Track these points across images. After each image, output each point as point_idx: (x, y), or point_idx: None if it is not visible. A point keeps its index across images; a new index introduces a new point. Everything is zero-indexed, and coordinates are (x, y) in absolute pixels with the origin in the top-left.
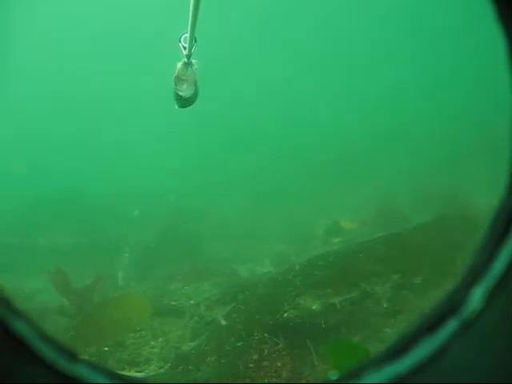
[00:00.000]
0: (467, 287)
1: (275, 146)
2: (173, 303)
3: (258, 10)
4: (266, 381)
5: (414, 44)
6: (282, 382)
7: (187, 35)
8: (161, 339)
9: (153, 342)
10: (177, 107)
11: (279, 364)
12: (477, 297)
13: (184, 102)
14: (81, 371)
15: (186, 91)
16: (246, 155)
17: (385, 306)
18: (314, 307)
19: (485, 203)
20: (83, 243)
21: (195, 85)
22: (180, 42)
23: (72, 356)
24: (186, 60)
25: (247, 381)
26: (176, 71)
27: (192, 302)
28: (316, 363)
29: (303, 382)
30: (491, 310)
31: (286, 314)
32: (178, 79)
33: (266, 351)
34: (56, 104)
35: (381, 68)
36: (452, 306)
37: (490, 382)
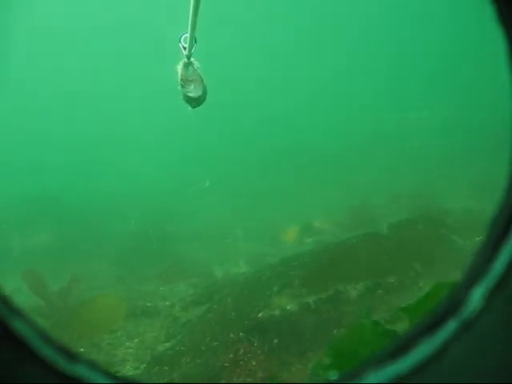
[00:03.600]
0: (467, 287)
1: (251, 147)
2: (148, 304)
3: (256, 11)
4: (241, 380)
5: (406, 43)
6: (257, 381)
7: (187, 35)
8: (136, 340)
9: (128, 343)
10: (190, 109)
11: (254, 363)
12: (477, 297)
13: (195, 102)
14: (81, 371)
15: (194, 91)
16: (222, 157)
17: (358, 304)
18: (288, 307)
19: (456, 207)
20: (60, 243)
21: (202, 83)
22: (180, 42)
23: (72, 356)
24: (185, 60)
25: (222, 381)
26: (179, 74)
27: (167, 302)
28: (291, 362)
29: (279, 381)
30: (491, 309)
31: (260, 314)
32: (184, 81)
33: (241, 351)
34: (44, 101)
35: (362, 70)
36: (452, 306)
37: (489, 382)
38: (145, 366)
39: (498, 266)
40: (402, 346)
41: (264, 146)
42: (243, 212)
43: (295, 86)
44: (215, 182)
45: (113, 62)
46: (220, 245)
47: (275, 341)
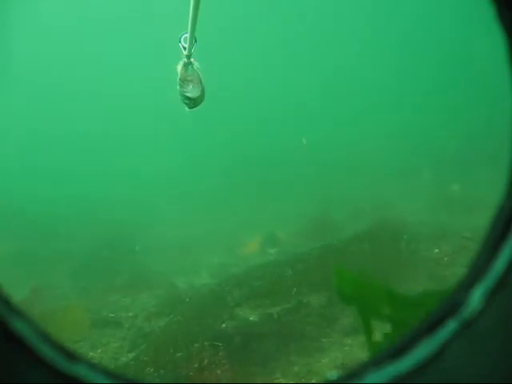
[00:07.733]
0: (467, 287)
1: (213, 158)
2: (111, 315)
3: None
4: None
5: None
6: None
7: (187, 35)
8: (99, 350)
9: (91, 353)
10: (187, 109)
11: (219, 372)
12: (477, 297)
13: (193, 103)
14: (80, 371)
15: (192, 91)
16: (184, 168)
17: (321, 315)
18: (251, 318)
19: (415, 219)
20: (20, 252)
21: (201, 83)
22: (180, 42)
23: (72, 356)
24: (185, 60)
25: None
26: (178, 74)
27: (130, 313)
28: (254, 373)
29: None
30: (491, 310)
31: (224, 325)
32: (183, 81)
33: (206, 361)
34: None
35: (332, 85)
36: (452, 306)
37: (489, 381)
38: None
39: (498, 266)
40: (402, 346)
41: (226, 157)
42: (206, 223)
43: (259, 97)
44: (179, 193)
45: (110, 61)
46: (182, 256)
47: (239, 351)
